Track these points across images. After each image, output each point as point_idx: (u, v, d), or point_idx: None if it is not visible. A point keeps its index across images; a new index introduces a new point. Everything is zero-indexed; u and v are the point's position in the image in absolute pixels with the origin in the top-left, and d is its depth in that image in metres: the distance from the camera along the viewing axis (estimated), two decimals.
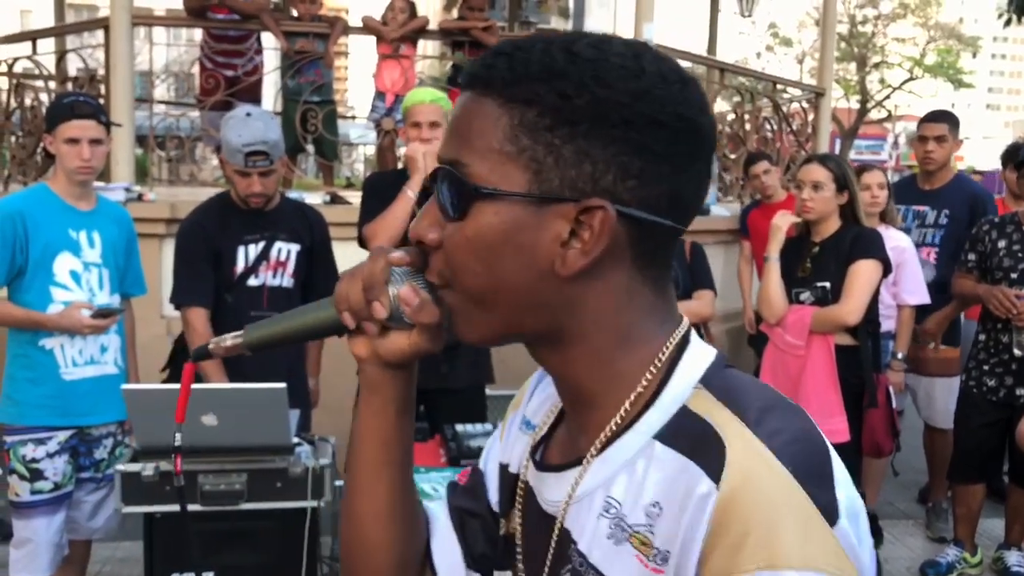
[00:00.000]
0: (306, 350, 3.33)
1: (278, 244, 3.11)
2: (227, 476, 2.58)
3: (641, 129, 0.69)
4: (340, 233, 3.65)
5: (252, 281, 3.08)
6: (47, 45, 6.74)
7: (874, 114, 32.85)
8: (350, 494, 0.91)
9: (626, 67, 0.70)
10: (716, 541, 0.62)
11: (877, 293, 3.37)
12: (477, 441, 2.82)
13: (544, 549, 0.80)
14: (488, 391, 3.38)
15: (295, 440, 2.69)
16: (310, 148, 6.50)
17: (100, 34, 5.95)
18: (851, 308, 3.26)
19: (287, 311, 0.85)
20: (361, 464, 0.89)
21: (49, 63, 6.34)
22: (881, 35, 33.14)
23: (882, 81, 33.67)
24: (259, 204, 3.04)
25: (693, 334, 0.78)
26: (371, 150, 8.39)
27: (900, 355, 4.11)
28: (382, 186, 3.21)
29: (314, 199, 5.05)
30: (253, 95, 6.25)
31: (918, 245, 4.25)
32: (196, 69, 6.67)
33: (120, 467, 2.59)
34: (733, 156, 7.04)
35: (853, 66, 32.32)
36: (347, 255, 3.21)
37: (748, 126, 7.29)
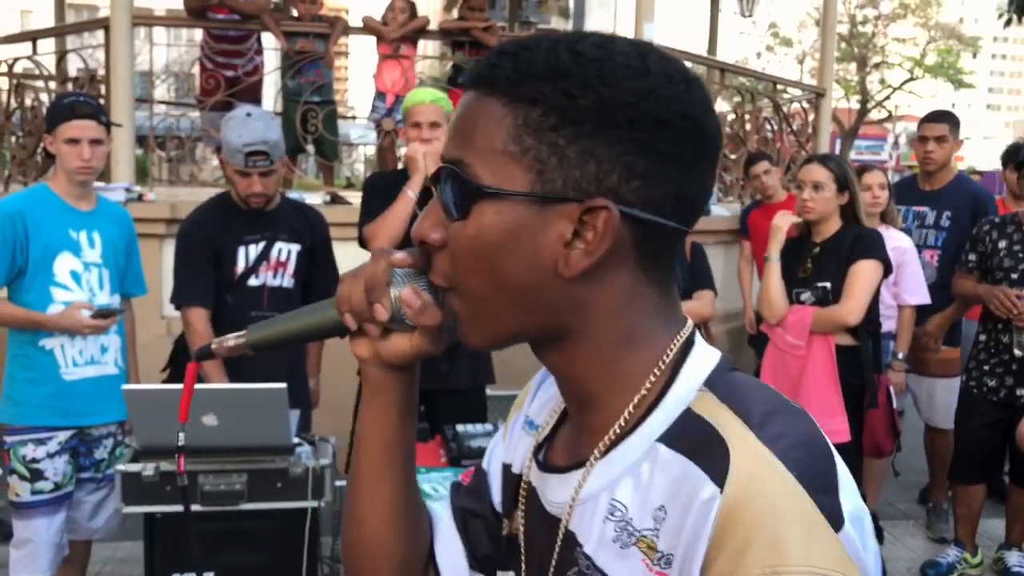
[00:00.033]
0: (306, 350, 3.33)
1: (278, 244, 3.11)
2: (227, 476, 2.58)
3: (646, 129, 0.69)
4: (340, 233, 3.65)
5: (252, 281, 3.08)
6: (47, 45, 6.74)
7: (874, 114, 32.86)
8: (353, 496, 0.91)
9: (631, 67, 0.70)
10: (720, 545, 0.62)
11: (878, 293, 3.37)
12: (477, 441, 2.82)
13: (548, 550, 0.80)
14: (488, 391, 3.38)
15: (295, 440, 2.69)
16: (310, 148, 6.49)
17: (100, 34, 5.95)
18: (852, 308, 3.26)
19: (289, 312, 0.85)
20: (364, 466, 0.89)
21: (49, 63, 6.34)
22: (881, 35, 33.15)
23: (882, 81, 33.68)
24: (259, 204, 3.04)
25: (698, 336, 0.78)
26: (371, 150, 8.39)
27: (901, 355, 4.11)
28: (382, 186, 3.21)
29: (314, 199, 5.05)
30: (253, 95, 6.24)
31: (918, 246, 4.24)
32: (196, 69, 6.67)
33: (120, 467, 2.59)
34: (733, 156, 7.03)
35: (853, 66, 32.33)
36: (347, 255, 3.21)
37: (748, 126, 7.29)
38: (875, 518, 4.10)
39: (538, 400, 0.93)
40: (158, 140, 6.68)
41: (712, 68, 7.67)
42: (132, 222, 3.23)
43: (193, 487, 2.54)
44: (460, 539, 0.94)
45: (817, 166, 3.41)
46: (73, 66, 6.83)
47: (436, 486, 2.46)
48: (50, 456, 2.94)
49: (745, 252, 5.48)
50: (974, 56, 40.43)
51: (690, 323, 0.78)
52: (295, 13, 6.36)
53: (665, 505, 0.68)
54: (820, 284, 3.35)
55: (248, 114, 3.00)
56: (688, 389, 0.73)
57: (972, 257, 3.87)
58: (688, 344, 0.76)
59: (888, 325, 3.92)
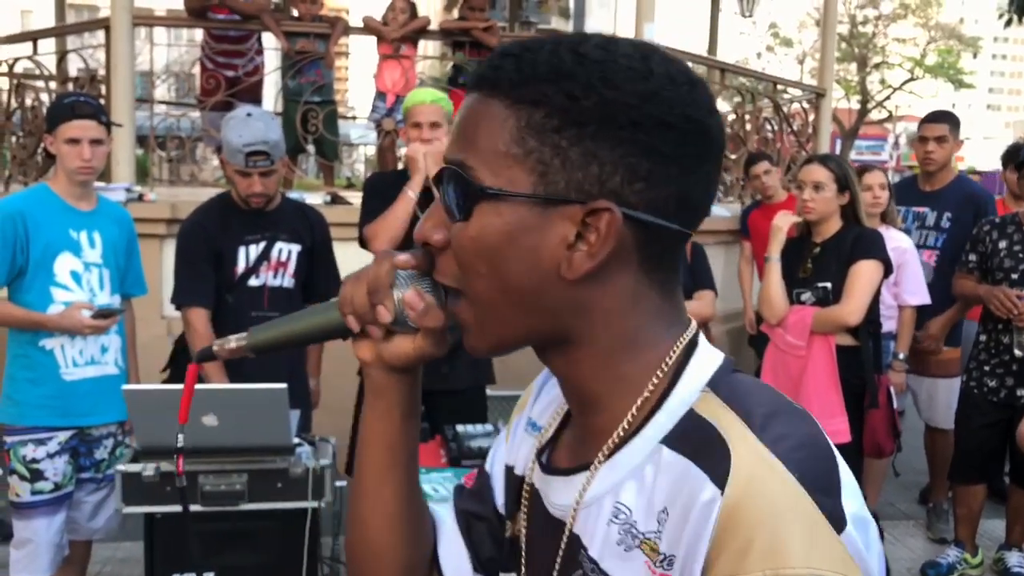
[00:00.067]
0: (307, 351, 3.33)
1: (279, 244, 3.11)
2: (227, 476, 2.58)
3: (649, 131, 0.69)
4: (341, 233, 3.65)
5: (253, 281, 3.08)
6: (48, 45, 6.74)
7: (875, 114, 32.87)
8: (356, 498, 0.90)
9: (634, 68, 0.69)
10: (721, 547, 0.62)
11: (878, 294, 3.37)
12: (478, 442, 2.82)
13: (552, 553, 0.80)
14: (489, 391, 3.39)
15: (295, 441, 2.69)
16: (311, 148, 6.49)
17: (101, 34, 5.95)
18: (852, 308, 3.26)
19: (291, 313, 0.85)
20: (366, 468, 0.89)
21: (50, 63, 6.34)
22: (882, 35, 33.16)
23: (883, 81, 33.68)
24: (260, 204, 3.04)
25: (701, 338, 0.78)
26: (372, 150, 8.39)
27: (901, 356, 4.11)
28: (383, 186, 3.21)
29: (315, 199, 5.05)
30: (254, 95, 6.24)
31: (917, 247, 4.24)
32: (197, 69, 6.67)
33: (121, 467, 2.59)
34: (734, 156, 7.03)
35: (854, 66, 32.34)
36: (348, 255, 3.22)
37: (749, 126, 7.29)
38: (875, 518, 4.10)
39: (541, 402, 0.92)
40: (158, 140, 6.68)
41: (712, 68, 7.67)
42: (132, 222, 3.22)
43: (193, 487, 2.55)
44: (463, 542, 0.94)
45: (817, 166, 3.41)
46: (73, 66, 6.83)
47: (436, 486, 2.46)
48: (50, 456, 2.94)
49: (745, 252, 5.48)
50: (974, 56, 40.45)
51: (694, 325, 0.78)
52: (295, 13, 6.36)
53: (667, 507, 0.68)
54: (820, 284, 3.35)
55: (248, 114, 3.00)
56: (691, 390, 0.73)
57: (972, 257, 3.87)
58: (691, 346, 0.76)
59: (888, 325, 3.92)
